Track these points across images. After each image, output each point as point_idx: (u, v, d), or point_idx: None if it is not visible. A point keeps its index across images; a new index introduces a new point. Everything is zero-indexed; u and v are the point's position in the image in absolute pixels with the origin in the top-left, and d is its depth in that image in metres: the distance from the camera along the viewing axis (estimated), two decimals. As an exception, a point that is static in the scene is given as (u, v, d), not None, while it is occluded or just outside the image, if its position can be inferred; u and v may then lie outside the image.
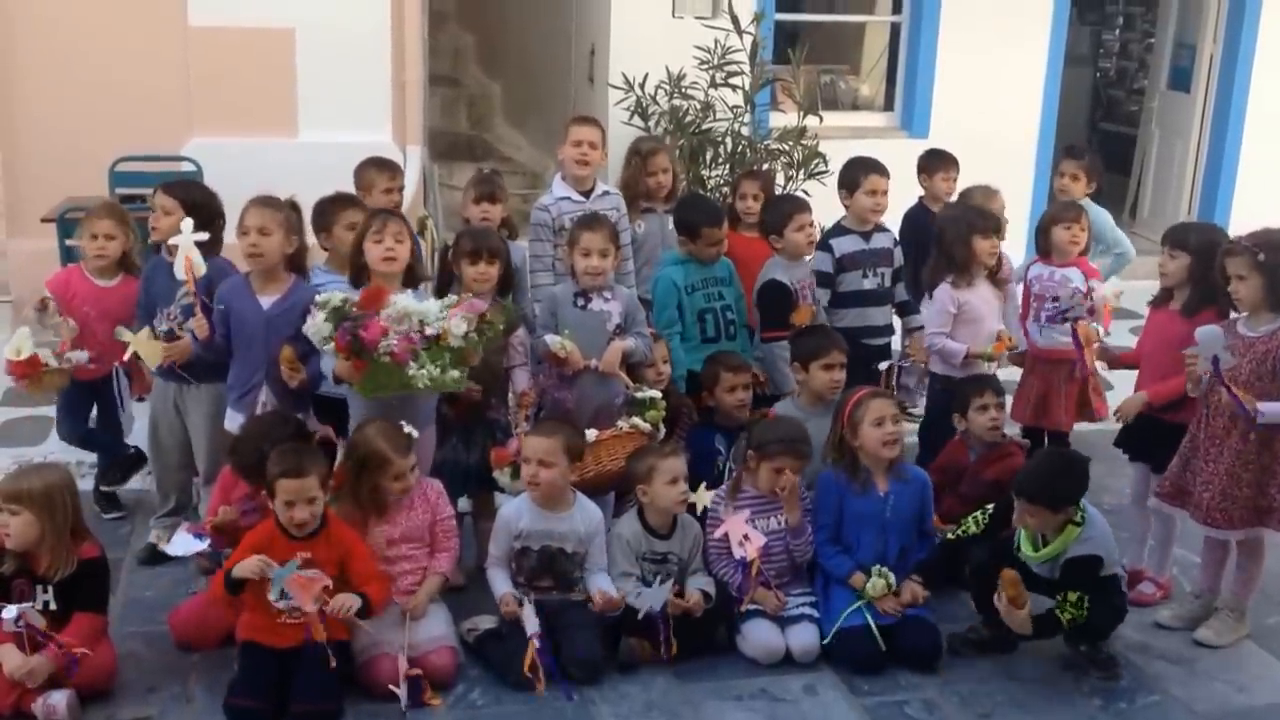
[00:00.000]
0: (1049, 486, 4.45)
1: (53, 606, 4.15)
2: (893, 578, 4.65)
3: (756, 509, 4.76)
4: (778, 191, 7.23)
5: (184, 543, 4.41)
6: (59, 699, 4.02)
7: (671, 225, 5.91)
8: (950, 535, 4.79)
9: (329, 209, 5.19)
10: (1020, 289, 5.96)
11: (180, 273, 4.67)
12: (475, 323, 4.42)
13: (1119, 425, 5.22)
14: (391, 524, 4.50)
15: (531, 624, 4.37)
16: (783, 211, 5.67)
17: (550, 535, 4.56)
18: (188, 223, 4.70)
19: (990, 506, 4.74)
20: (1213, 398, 4.62)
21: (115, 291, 5.29)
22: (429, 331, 4.33)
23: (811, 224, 5.60)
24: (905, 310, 6.07)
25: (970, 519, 4.75)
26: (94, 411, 5.56)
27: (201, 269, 4.69)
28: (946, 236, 5.63)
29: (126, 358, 4.84)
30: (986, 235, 5.56)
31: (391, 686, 4.17)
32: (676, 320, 5.52)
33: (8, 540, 4.09)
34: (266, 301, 4.77)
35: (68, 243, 6.61)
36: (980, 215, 5.71)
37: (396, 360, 4.31)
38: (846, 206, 5.98)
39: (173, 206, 4.94)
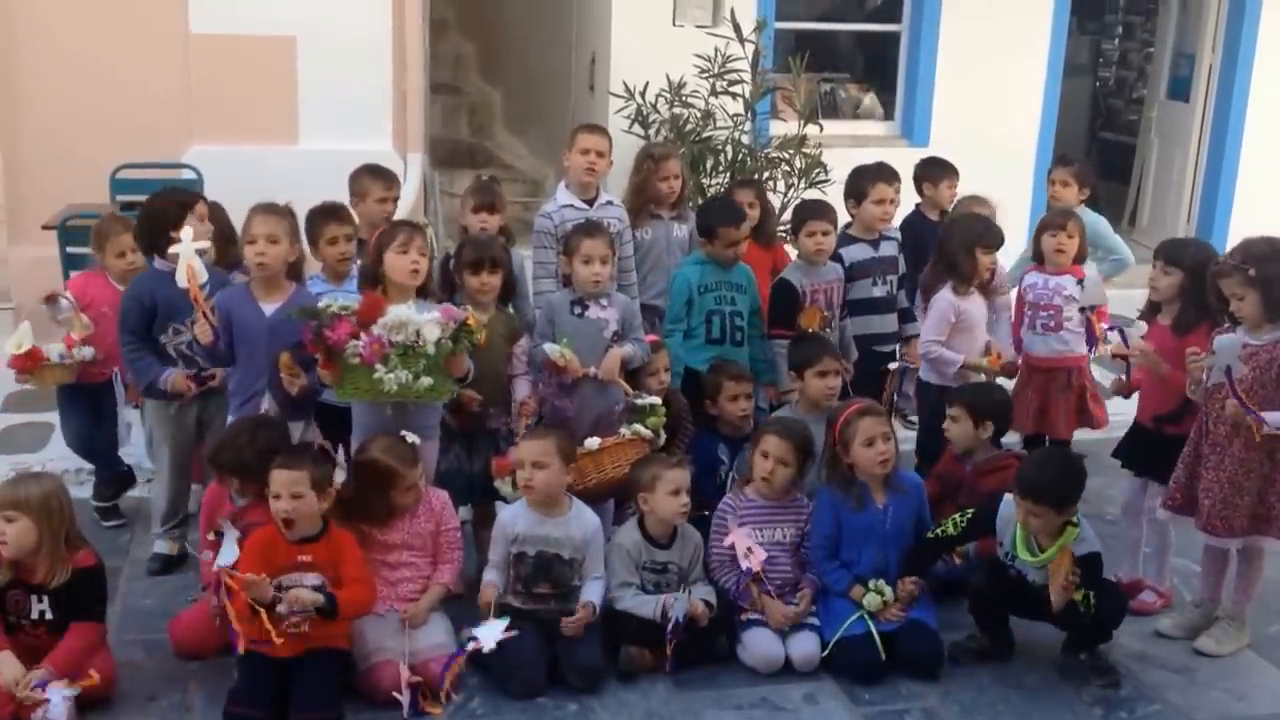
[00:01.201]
0: (1055, 487, 4.45)
1: (49, 616, 4.13)
2: (889, 591, 4.65)
3: (760, 520, 4.77)
4: (778, 201, 7.27)
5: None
6: (58, 713, 3.98)
7: (675, 232, 5.96)
8: (929, 535, 4.79)
9: (315, 222, 5.17)
10: (1014, 297, 5.97)
11: (182, 280, 4.66)
12: (450, 330, 4.42)
13: (1119, 435, 5.22)
14: (392, 530, 4.51)
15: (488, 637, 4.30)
16: (799, 217, 5.77)
17: (546, 540, 4.56)
18: (187, 231, 4.69)
19: (970, 510, 4.75)
20: (1214, 405, 4.63)
21: None
22: (400, 338, 4.33)
23: (826, 233, 5.63)
24: (905, 318, 6.09)
25: (949, 521, 4.74)
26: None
27: (203, 275, 4.69)
28: (951, 243, 5.63)
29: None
30: (989, 250, 5.58)
31: (395, 694, 4.16)
32: (682, 318, 5.53)
33: (4, 549, 4.06)
34: (269, 309, 4.76)
35: (76, 250, 6.53)
36: (987, 228, 5.72)
37: (364, 362, 4.32)
38: (853, 215, 6.01)
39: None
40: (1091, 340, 5.40)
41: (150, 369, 4.96)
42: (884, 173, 6.04)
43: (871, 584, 4.66)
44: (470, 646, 4.30)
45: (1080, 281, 5.62)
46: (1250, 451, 4.56)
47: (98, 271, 5.45)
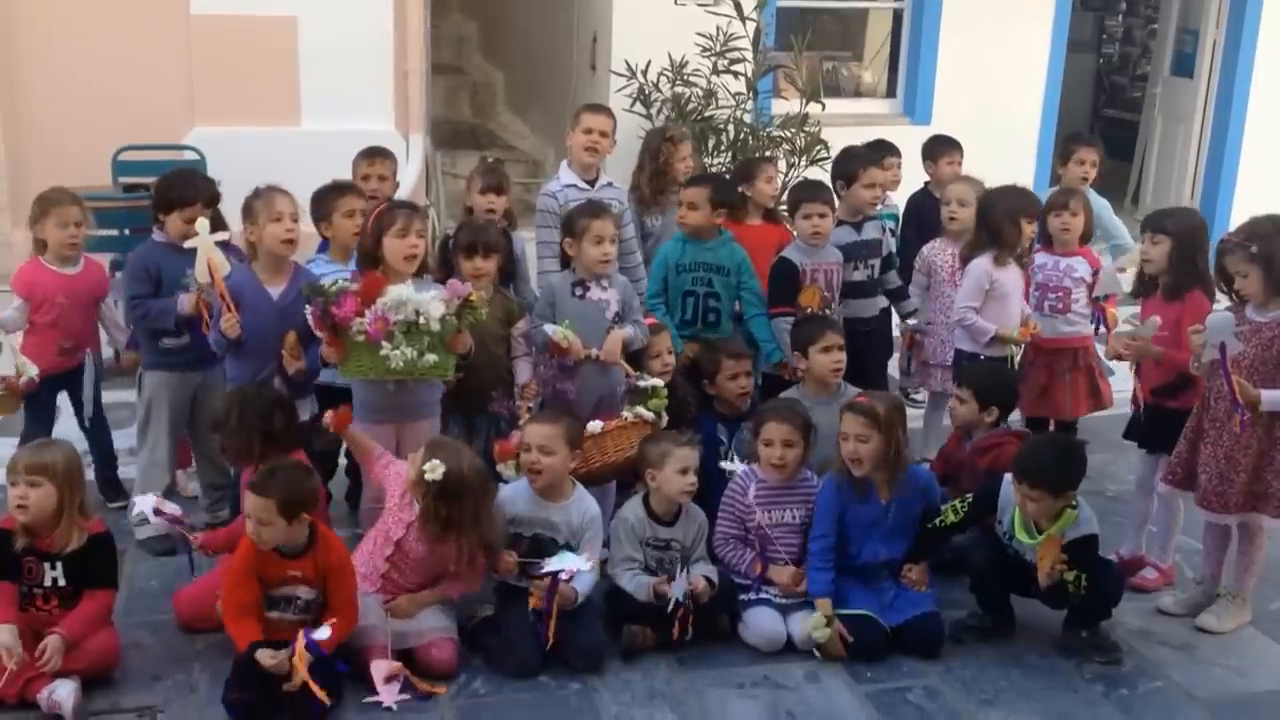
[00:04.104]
0: (1052, 472, 4.45)
1: (62, 583, 4.16)
2: (823, 628, 4.49)
3: (769, 500, 4.77)
4: (779, 180, 7.25)
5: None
6: (64, 693, 4.00)
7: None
8: (930, 524, 4.79)
9: (328, 197, 5.20)
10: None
11: (203, 275, 4.65)
12: (454, 306, 4.42)
13: (1128, 414, 5.21)
14: (419, 541, 4.42)
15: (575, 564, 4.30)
16: (794, 198, 5.75)
17: (543, 524, 4.55)
18: (203, 223, 4.68)
19: (969, 495, 4.75)
20: (1215, 382, 4.63)
21: (83, 277, 5.26)
22: (400, 316, 4.34)
23: (822, 215, 5.59)
24: (898, 296, 6.08)
25: (949, 508, 4.75)
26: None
27: (225, 268, 4.68)
28: (995, 214, 5.61)
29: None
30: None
31: (374, 696, 4.13)
32: (661, 294, 5.56)
33: (23, 514, 4.08)
34: (275, 291, 4.78)
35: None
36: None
37: (370, 339, 4.33)
38: (840, 197, 5.92)
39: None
40: (1103, 328, 5.40)
41: (167, 307, 4.96)
42: (875, 157, 5.98)
43: (810, 616, 4.56)
44: (563, 576, 4.28)
45: (1097, 272, 5.59)
46: (1248, 429, 4.56)
47: (33, 261, 5.28)
